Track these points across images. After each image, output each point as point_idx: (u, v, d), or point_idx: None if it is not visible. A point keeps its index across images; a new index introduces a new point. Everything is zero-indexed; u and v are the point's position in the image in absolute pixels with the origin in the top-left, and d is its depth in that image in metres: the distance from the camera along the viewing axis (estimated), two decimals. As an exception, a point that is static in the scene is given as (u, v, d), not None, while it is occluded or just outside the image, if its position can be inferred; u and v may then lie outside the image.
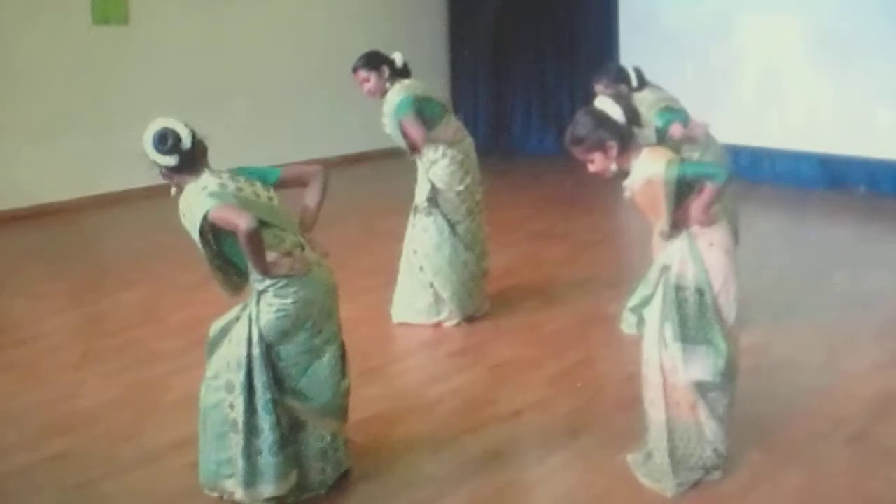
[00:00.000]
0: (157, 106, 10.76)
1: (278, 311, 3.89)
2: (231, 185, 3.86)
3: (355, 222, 8.46)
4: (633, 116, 4.04)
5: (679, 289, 4.00)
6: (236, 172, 3.96)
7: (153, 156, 3.85)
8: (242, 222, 3.69)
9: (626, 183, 4.05)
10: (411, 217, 6.23)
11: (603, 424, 4.75)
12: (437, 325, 6.23)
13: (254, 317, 3.93)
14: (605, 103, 4.04)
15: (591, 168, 4.05)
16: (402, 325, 6.25)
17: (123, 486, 4.31)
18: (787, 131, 10.39)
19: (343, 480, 4.23)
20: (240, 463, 3.98)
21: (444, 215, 6.10)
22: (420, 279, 6.21)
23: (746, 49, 10.60)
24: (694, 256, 3.98)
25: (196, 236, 3.82)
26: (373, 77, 5.98)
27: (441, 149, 6.04)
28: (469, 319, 6.27)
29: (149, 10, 10.32)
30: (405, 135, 5.99)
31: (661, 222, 4.04)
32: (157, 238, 8.59)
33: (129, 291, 7.14)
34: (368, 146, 11.97)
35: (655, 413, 4.10)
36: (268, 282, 3.88)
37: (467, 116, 11.74)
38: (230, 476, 4.04)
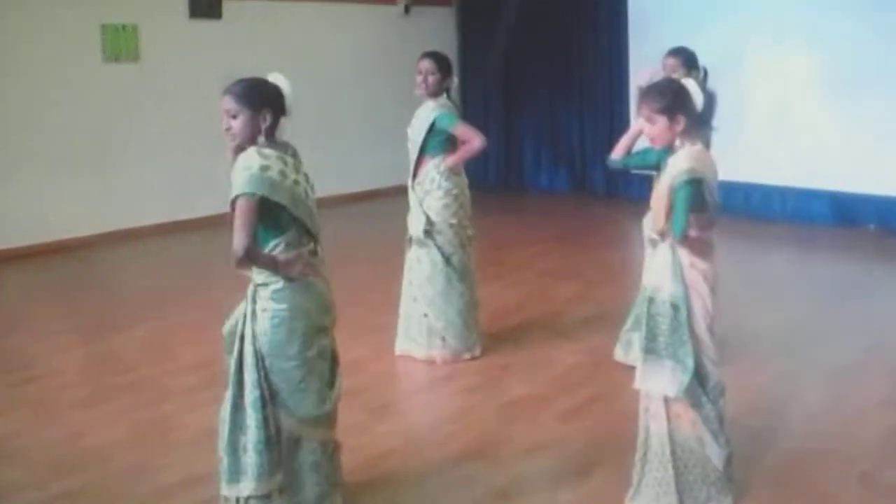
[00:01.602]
0: (166, 143, 10.97)
1: (273, 317, 3.85)
2: (291, 177, 3.88)
3: (366, 260, 8.48)
4: (706, 112, 4.00)
5: (652, 302, 4.01)
6: (299, 161, 4.01)
7: (287, 92, 4.10)
8: (237, 241, 3.67)
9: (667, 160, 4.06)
10: (406, 249, 6.30)
11: (615, 463, 4.70)
12: (432, 358, 6.24)
13: (248, 313, 3.89)
14: (691, 85, 4.03)
15: (647, 130, 4.02)
16: (418, 361, 6.24)
17: (134, 525, 4.29)
18: (798, 168, 10.43)
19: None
20: (224, 458, 3.93)
21: (439, 247, 6.15)
22: (416, 309, 6.27)
23: (756, 87, 10.62)
24: (675, 272, 3.96)
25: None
26: (438, 76, 6.08)
27: (437, 180, 6.11)
28: (472, 359, 6.28)
29: (158, 48, 10.43)
30: (433, 144, 6.07)
31: (656, 221, 4.06)
32: (169, 275, 8.64)
33: (140, 329, 7.13)
34: (378, 184, 12.10)
35: (657, 425, 4.08)
36: (266, 276, 3.85)
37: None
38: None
